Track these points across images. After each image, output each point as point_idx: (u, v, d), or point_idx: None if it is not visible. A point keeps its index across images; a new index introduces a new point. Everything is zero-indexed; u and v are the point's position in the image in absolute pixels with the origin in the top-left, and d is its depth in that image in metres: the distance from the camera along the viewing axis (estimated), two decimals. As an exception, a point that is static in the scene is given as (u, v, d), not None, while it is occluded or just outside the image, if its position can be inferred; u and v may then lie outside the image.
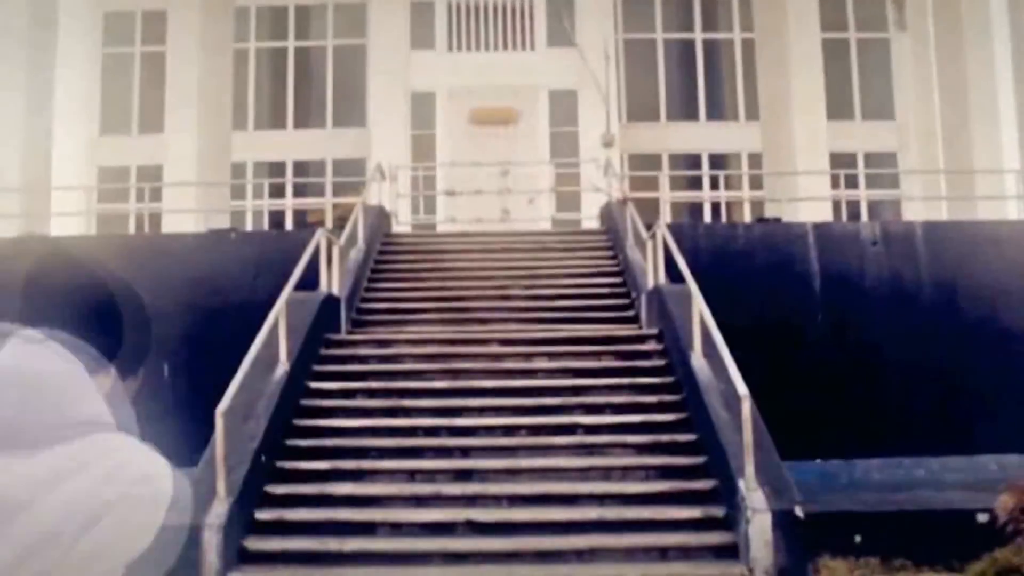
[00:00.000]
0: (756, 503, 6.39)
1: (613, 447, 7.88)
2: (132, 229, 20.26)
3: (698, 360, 8.13)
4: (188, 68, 18.70)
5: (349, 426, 8.17)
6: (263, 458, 7.26)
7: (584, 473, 7.56)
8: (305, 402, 8.45)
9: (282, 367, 8.19)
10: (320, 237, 10.15)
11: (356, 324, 10.93)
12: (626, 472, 7.58)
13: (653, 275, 10.47)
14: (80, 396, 1.03)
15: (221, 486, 6.55)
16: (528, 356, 9.41)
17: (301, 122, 22.64)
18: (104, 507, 0.97)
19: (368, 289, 11.99)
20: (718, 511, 6.89)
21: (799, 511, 6.36)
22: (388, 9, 19.63)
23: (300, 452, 7.78)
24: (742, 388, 6.71)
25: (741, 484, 6.55)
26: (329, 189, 19.81)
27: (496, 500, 7.13)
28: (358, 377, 8.98)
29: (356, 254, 12.17)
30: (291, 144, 22.24)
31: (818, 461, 12.65)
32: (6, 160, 18.77)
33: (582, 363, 9.24)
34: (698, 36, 23.13)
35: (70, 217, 19.01)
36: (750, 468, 6.52)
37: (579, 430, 8.09)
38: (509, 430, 8.10)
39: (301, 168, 22.00)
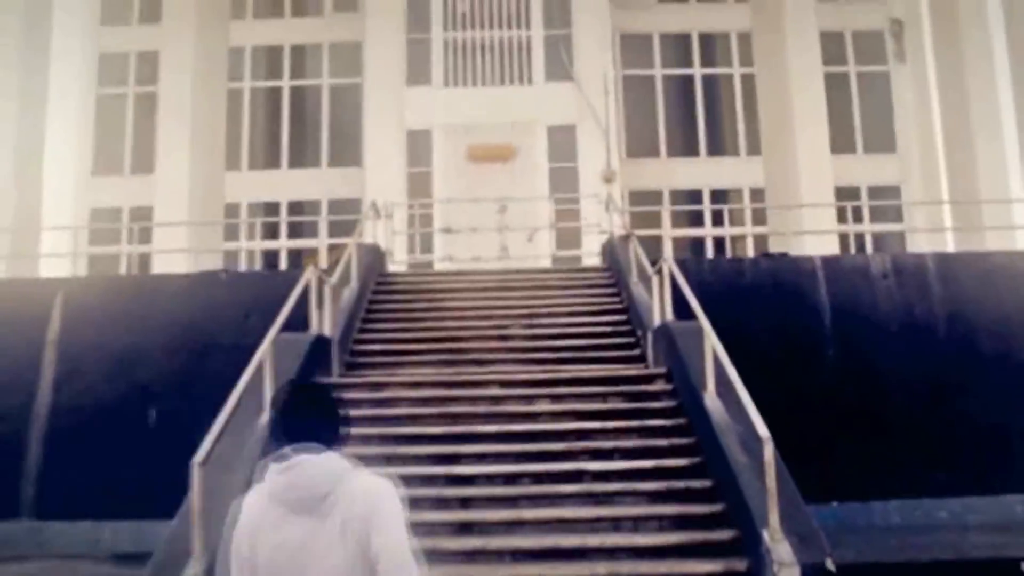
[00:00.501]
0: (783, 555, 5.86)
1: (623, 495, 7.33)
2: (124, 271, 19.82)
3: (712, 400, 7.63)
4: (180, 108, 18.41)
5: (340, 475, 7.62)
6: (246, 512, 6.70)
7: (593, 524, 7.01)
8: (293, 450, 7.91)
9: (266, 413, 7.66)
10: (310, 276, 9.67)
11: (349, 366, 10.45)
12: (638, 522, 7.02)
13: (660, 312, 10.00)
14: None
15: (197, 543, 6.01)
16: (529, 399, 8.89)
17: (296, 162, 22.32)
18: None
19: (362, 330, 11.53)
20: (740, 564, 6.35)
21: (830, 564, 5.82)
22: (382, 46, 19.35)
23: (287, 505, 7.23)
24: (763, 430, 6.20)
25: (765, 535, 6.02)
26: (324, 229, 19.35)
27: (498, 555, 6.58)
28: (350, 422, 8.44)
29: (349, 294, 11.71)
30: (286, 184, 21.91)
31: (834, 504, 12.11)
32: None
33: (587, 405, 8.72)
34: (697, 71, 22.91)
35: (60, 259, 18.60)
36: (774, 517, 5.99)
37: (586, 477, 7.56)
38: (511, 478, 7.56)
39: (296, 209, 21.63)
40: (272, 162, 22.39)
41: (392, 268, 14.47)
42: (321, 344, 9.67)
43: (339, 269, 11.18)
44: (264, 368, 7.82)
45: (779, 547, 5.91)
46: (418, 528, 6.75)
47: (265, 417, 7.60)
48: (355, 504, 2.70)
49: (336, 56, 22.28)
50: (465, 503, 7.27)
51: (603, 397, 8.88)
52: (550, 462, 7.73)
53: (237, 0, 22.56)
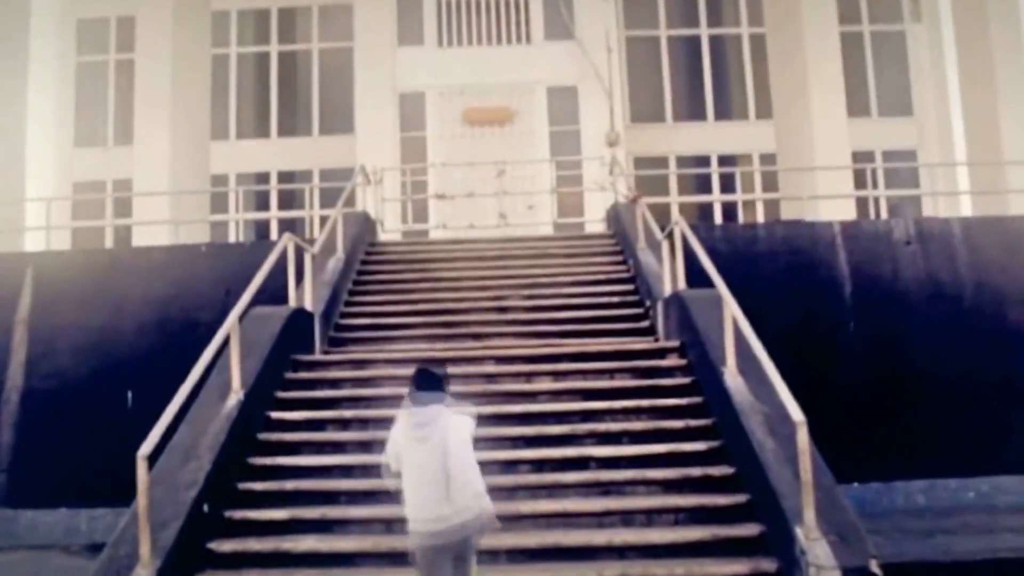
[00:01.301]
0: (820, 557, 5.04)
1: (634, 484, 6.51)
2: (107, 245, 18.97)
3: (732, 377, 6.78)
4: (158, 76, 17.46)
5: (315, 464, 6.81)
6: (205, 508, 5.90)
7: (600, 519, 6.18)
8: (264, 436, 7.10)
9: (234, 396, 6.84)
10: (286, 243, 8.82)
11: (333, 342, 9.63)
12: (651, 516, 6.20)
13: (671, 280, 9.16)
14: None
15: (145, 548, 5.21)
16: (528, 376, 8.06)
17: (286, 130, 21.39)
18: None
19: (349, 303, 10.71)
20: (769, 565, 5.52)
21: (875, 567, 5.00)
22: (372, 4, 18.33)
23: (254, 498, 6.42)
24: (796, 412, 5.36)
25: (799, 532, 5.20)
26: (317, 198, 18.43)
27: (492, 556, 5.76)
28: (329, 405, 7.63)
29: (335, 264, 10.89)
30: (276, 154, 21.00)
31: (855, 485, 11.33)
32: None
33: (592, 383, 7.88)
34: (704, 32, 21.92)
35: (38, 233, 17.78)
36: (809, 513, 5.17)
37: (591, 464, 6.73)
38: (507, 465, 6.74)
39: (287, 179, 20.75)
40: (261, 131, 21.47)
41: (384, 237, 13.62)
42: (300, 318, 8.84)
43: (322, 238, 10.33)
44: (231, 346, 6.99)
45: (816, 547, 5.09)
46: (402, 525, 5.94)
47: (231, 401, 6.78)
48: (445, 428, 4.85)
49: (326, 19, 21.29)
50: (455, 495, 6.45)
51: (610, 374, 8.05)
52: (551, 447, 6.91)
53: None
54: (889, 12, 22.12)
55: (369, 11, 18.44)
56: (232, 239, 19.49)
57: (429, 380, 5.03)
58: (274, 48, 21.57)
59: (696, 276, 8.82)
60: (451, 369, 8.13)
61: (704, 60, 21.81)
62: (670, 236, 9.51)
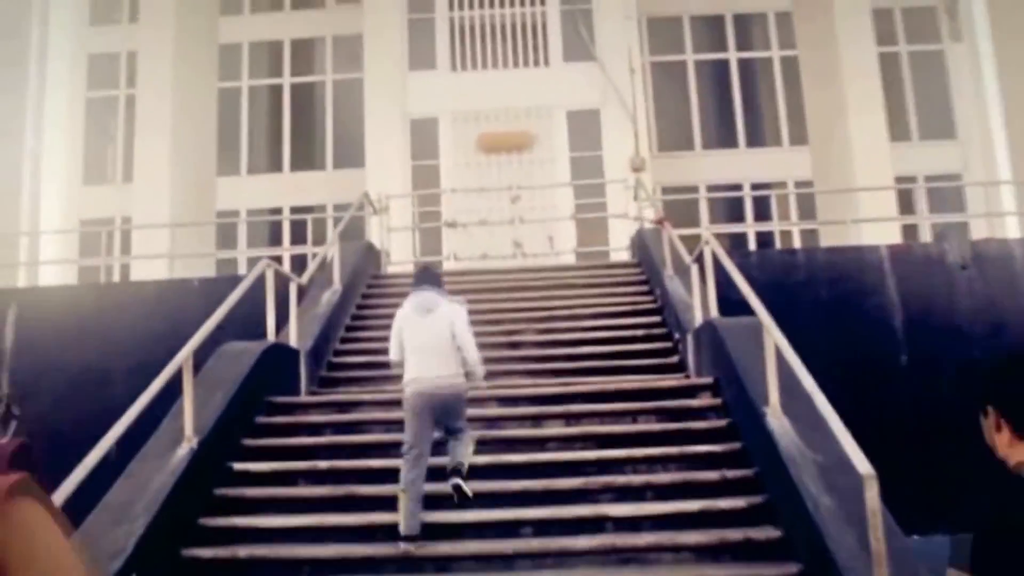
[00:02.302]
0: (899, 653, 3.88)
1: (659, 551, 5.35)
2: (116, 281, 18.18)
3: (776, 419, 5.64)
4: (160, 110, 16.75)
5: (278, 526, 5.71)
6: (135, 584, 4.84)
7: (617, 595, 5.05)
8: (222, 491, 6.04)
9: (186, 444, 5.80)
10: (263, 270, 7.83)
11: (324, 383, 8.61)
12: (681, 592, 5.05)
13: (702, 308, 8.06)
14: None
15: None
16: (537, 419, 6.96)
17: (299, 165, 20.55)
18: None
19: (345, 339, 9.70)
20: (830, 659, 4.36)
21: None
22: (382, 27, 17.49)
23: (199, 569, 5.35)
24: (862, 462, 4.24)
25: (868, 618, 4.04)
26: (331, 230, 17.51)
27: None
28: (303, 454, 6.57)
29: (330, 297, 9.88)
30: (288, 188, 20.13)
31: (915, 537, 10.06)
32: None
33: (611, 427, 6.75)
34: (732, 56, 20.91)
35: (54, 267, 17.16)
36: (883, 593, 4.02)
37: (608, 526, 5.59)
38: (507, 528, 5.61)
39: (300, 214, 19.87)
40: (273, 166, 20.66)
41: (392, 269, 12.63)
42: (281, 356, 7.82)
43: (311, 268, 9.36)
44: (184, 384, 5.97)
45: (894, 639, 3.93)
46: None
47: (181, 451, 5.74)
48: (448, 311, 5.89)
49: (340, 49, 20.54)
50: (443, 566, 5.35)
51: (631, 416, 6.92)
52: (560, 504, 5.78)
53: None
54: (927, 32, 21.05)
55: (379, 35, 17.63)
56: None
57: (429, 276, 6.21)
58: (287, 80, 20.82)
59: (730, 305, 7.76)
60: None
61: (733, 85, 20.80)
62: (700, 259, 8.43)
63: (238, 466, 6.31)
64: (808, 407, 5.17)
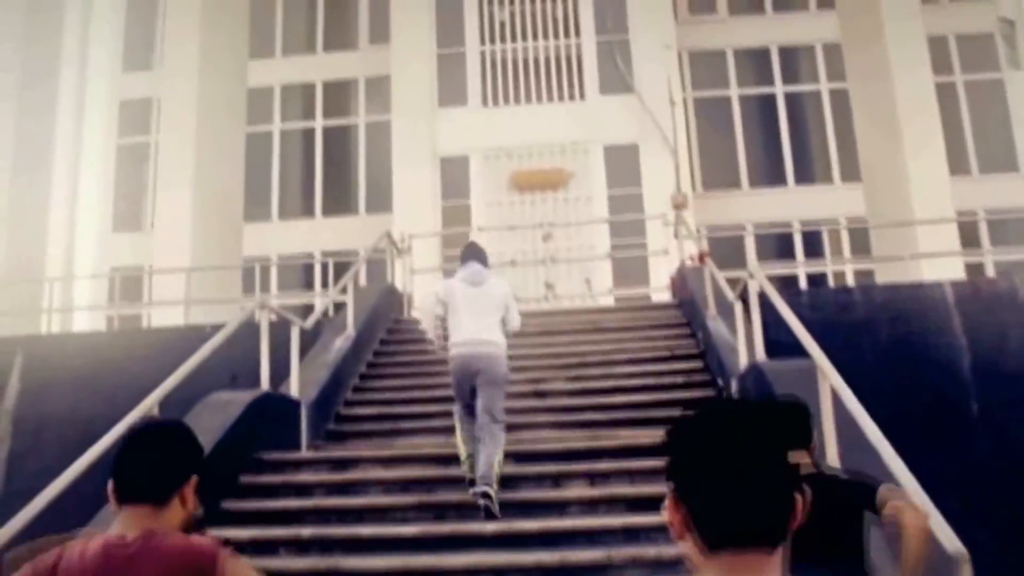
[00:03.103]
0: None
1: (695, 643, 4.44)
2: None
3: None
4: (183, 156, 16.35)
5: (249, 609, 4.90)
6: None
7: None
8: (189, 567, 5.24)
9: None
10: (256, 312, 7.12)
11: (331, 436, 7.84)
12: None
13: (747, 350, 7.17)
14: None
15: None
16: (557, 479, 6.09)
17: (331, 210, 20.02)
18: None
19: (358, 388, 8.94)
20: None
21: None
22: (410, 63, 16.95)
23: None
24: (951, 540, 3.33)
25: None
26: (364, 277, 16.93)
27: None
28: (288, 519, 5.76)
29: (342, 343, 9.13)
30: (320, 234, 19.60)
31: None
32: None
33: (640, 488, 5.85)
34: (779, 89, 20.06)
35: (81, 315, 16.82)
36: None
37: (635, 610, 4.69)
38: (514, 611, 4.75)
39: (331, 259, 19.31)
40: (306, 210, 20.16)
41: (415, 314, 11.88)
42: (279, 407, 7.07)
43: (317, 311, 8.65)
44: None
45: None
46: None
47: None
48: (496, 285, 6.51)
49: (373, 92, 20.07)
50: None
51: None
52: (579, 583, 4.90)
53: (263, 38, 20.70)
54: (984, 60, 20.06)
55: (406, 69, 17.10)
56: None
57: (477, 252, 6.68)
58: (319, 123, 20.39)
59: (780, 348, 6.89)
60: (453, 471, 6.30)
61: (780, 120, 19.93)
62: (744, 296, 7.55)
63: (213, 533, 5.50)
64: (873, 464, 4.28)
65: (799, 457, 2.45)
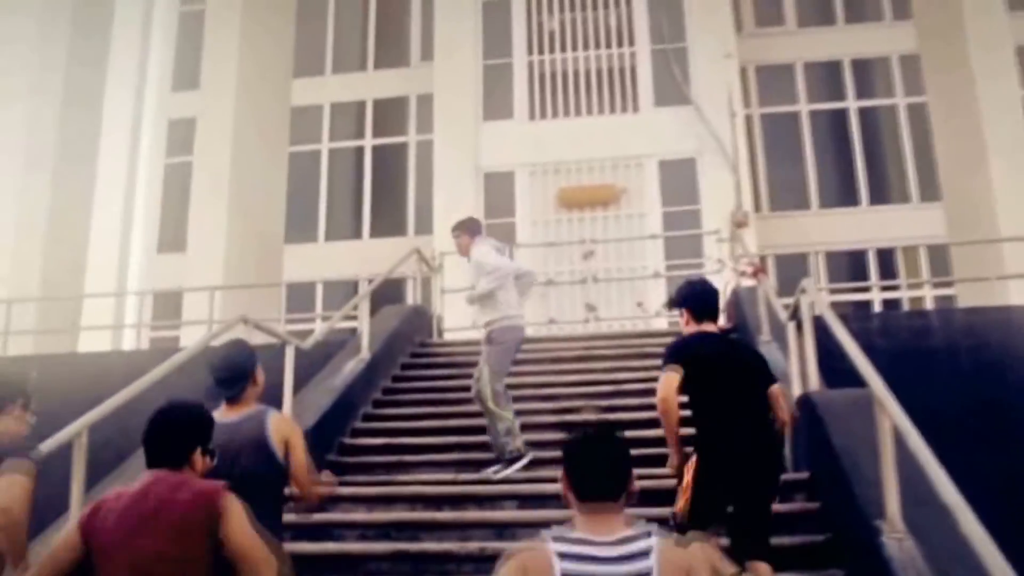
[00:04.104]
0: None
1: None
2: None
3: (895, 538, 3.71)
4: (218, 177, 15.89)
5: None
6: None
7: None
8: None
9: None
10: (232, 326, 6.34)
11: (335, 468, 6.97)
12: None
13: (800, 377, 6.16)
14: None
15: None
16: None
17: (379, 231, 19.37)
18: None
19: (369, 417, 8.11)
20: None
21: None
22: (453, 73, 16.24)
23: None
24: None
25: None
26: (410, 297, 16.20)
27: None
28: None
29: (354, 367, 8.33)
30: (367, 256, 18.94)
31: None
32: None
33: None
34: (851, 104, 18.87)
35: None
36: None
37: None
38: None
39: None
40: (354, 232, 19.56)
41: (447, 336, 11.05)
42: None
43: (321, 331, 7.86)
44: (73, 470, 4.46)
45: None
46: None
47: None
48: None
49: (424, 110, 19.40)
50: None
51: (696, 526, 5.02)
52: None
53: (313, 57, 20.29)
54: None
55: (450, 80, 16.39)
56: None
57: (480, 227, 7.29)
58: (368, 142, 19.81)
59: (841, 378, 5.87)
60: (448, 515, 5.40)
61: (853, 136, 18.72)
62: (797, 317, 6.53)
63: None
64: (945, 522, 3.28)
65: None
